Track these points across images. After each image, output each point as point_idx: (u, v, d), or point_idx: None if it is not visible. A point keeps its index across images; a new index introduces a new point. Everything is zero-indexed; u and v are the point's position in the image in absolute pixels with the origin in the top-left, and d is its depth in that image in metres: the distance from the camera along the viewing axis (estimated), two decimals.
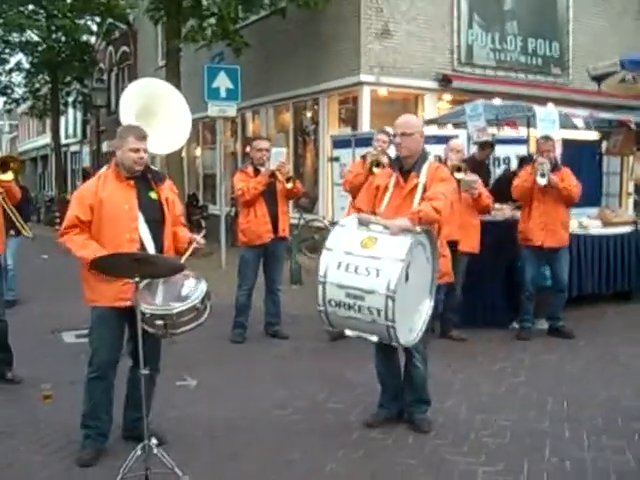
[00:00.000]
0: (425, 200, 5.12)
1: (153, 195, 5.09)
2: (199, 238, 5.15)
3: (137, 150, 4.93)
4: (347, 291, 4.77)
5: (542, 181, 7.93)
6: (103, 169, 5.24)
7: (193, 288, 4.74)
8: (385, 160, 7.91)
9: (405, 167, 5.40)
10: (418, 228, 4.90)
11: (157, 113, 7.29)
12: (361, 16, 15.31)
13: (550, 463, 4.84)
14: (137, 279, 4.35)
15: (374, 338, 4.91)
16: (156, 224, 5.03)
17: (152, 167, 5.35)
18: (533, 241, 8.22)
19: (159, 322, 4.55)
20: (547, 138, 8.37)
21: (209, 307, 4.78)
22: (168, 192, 5.21)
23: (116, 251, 4.68)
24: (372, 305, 4.67)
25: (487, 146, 10.60)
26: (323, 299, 4.88)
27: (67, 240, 4.94)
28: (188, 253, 5.08)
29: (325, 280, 4.84)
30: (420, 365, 5.45)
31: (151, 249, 4.93)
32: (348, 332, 5.01)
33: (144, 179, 5.09)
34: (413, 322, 5.09)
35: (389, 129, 8.47)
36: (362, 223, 5.00)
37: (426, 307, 5.18)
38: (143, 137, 4.99)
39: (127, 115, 7.15)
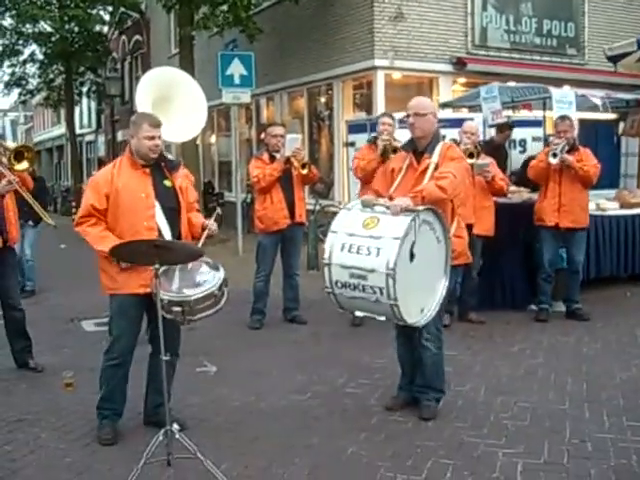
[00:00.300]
0: (433, 179, 5.12)
1: (167, 183, 5.12)
2: (211, 223, 5.16)
3: (152, 137, 4.94)
4: (351, 271, 4.84)
5: (553, 160, 7.90)
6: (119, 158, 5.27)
7: (210, 275, 4.76)
8: (397, 145, 7.86)
9: (419, 149, 5.39)
10: (420, 207, 4.90)
11: (173, 101, 7.30)
12: (374, 0, 15.24)
13: (571, 444, 4.83)
14: (157, 266, 4.36)
15: (382, 318, 4.97)
16: (172, 212, 5.05)
17: (166, 155, 5.36)
18: (545, 221, 8.20)
19: (177, 309, 4.57)
20: (564, 118, 8.32)
21: (226, 293, 4.79)
22: (182, 180, 5.23)
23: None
24: (374, 284, 4.73)
25: (506, 128, 10.56)
26: (330, 281, 4.97)
27: (83, 232, 4.97)
28: (203, 239, 5.11)
29: (330, 262, 4.94)
30: (431, 347, 5.38)
31: (168, 237, 4.95)
32: (358, 313, 5.14)
33: (158, 167, 5.11)
34: (425, 301, 5.10)
35: (395, 114, 8.48)
36: (366, 205, 5.07)
37: (440, 287, 5.18)
38: (157, 124, 5.00)
39: (143, 103, 7.16)
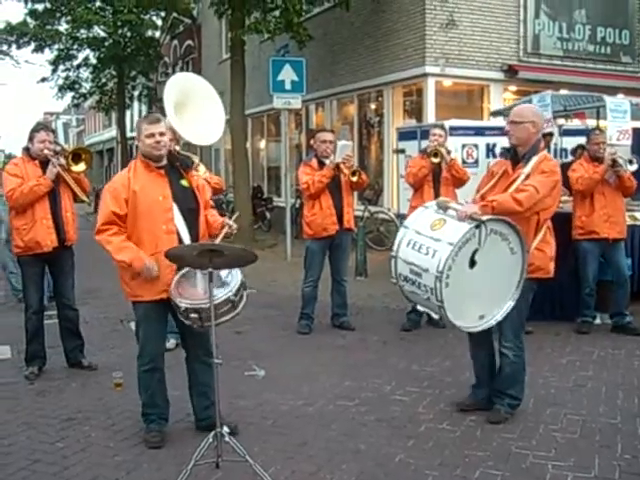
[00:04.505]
0: (515, 191, 5.10)
1: (184, 183, 5.10)
2: (232, 223, 5.10)
3: (152, 135, 4.90)
4: (411, 267, 5.02)
5: (633, 168, 7.99)
6: None
7: (227, 279, 4.75)
8: (443, 151, 8.22)
9: (517, 157, 5.41)
10: (486, 216, 4.89)
11: (192, 107, 7.46)
12: (426, 7, 15.23)
13: (623, 459, 4.75)
14: (211, 269, 4.39)
15: (436, 316, 5.24)
16: (190, 212, 5.04)
17: (181, 152, 5.35)
18: (599, 234, 8.08)
19: (194, 315, 4.59)
20: (601, 130, 8.32)
21: (245, 297, 4.79)
22: (198, 178, 5.24)
23: (154, 244, 4.80)
24: (426, 283, 4.89)
25: (547, 135, 10.48)
26: (395, 273, 5.19)
27: (105, 240, 4.92)
28: (221, 237, 5.06)
29: (396, 255, 5.15)
30: (509, 354, 5.42)
31: (187, 239, 4.94)
32: (419, 307, 5.45)
33: (173, 167, 5.10)
34: (486, 309, 5.12)
35: (445, 121, 8.57)
36: (440, 206, 5.17)
37: (509, 297, 5.17)
38: (156, 120, 4.99)
39: (168, 107, 7.43)
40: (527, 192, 5.04)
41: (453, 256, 4.77)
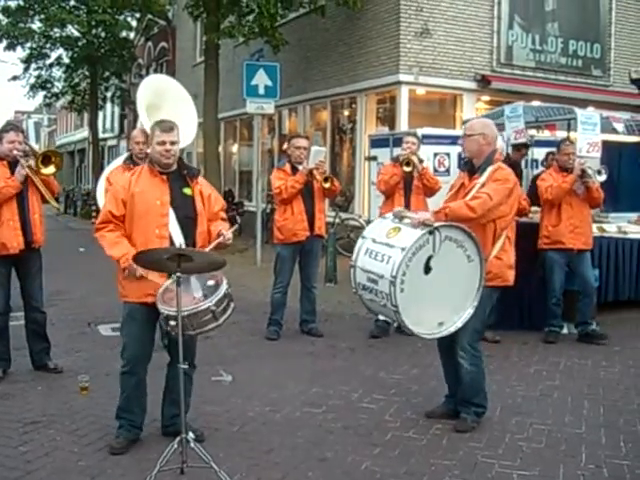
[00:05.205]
0: (469, 198, 5.20)
1: (187, 191, 5.06)
2: (227, 233, 5.05)
3: (163, 143, 4.89)
4: (368, 275, 5.15)
5: (601, 178, 8.07)
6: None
7: (212, 290, 4.68)
8: (415, 159, 8.27)
9: (473, 169, 5.52)
10: (438, 223, 5.00)
11: (164, 109, 7.43)
12: (400, 15, 15.31)
13: (587, 469, 4.79)
14: (179, 274, 4.36)
15: (395, 324, 5.33)
16: (188, 220, 5.00)
17: (186, 163, 5.34)
18: (565, 244, 8.17)
19: (172, 322, 4.52)
20: (571, 141, 8.42)
21: (231, 308, 4.70)
22: (203, 187, 5.18)
23: (146, 247, 4.69)
24: (382, 290, 5.00)
25: (522, 147, 10.58)
26: (354, 282, 5.31)
27: (100, 237, 4.97)
28: (212, 245, 5.00)
29: (355, 264, 5.29)
30: (465, 364, 5.43)
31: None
32: (380, 316, 5.52)
33: (179, 175, 5.07)
34: (445, 316, 5.18)
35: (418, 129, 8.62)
36: (396, 216, 5.30)
37: (468, 305, 5.21)
38: (169, 128, 4.95)
39: (141, 110, 7.42)
40: (480, 199, 5.15)
41: (406, 261, 4.89)
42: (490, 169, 5.36)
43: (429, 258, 4.99)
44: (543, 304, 8.53)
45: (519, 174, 10.54)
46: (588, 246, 8.28)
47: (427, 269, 5.00)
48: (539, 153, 12.04)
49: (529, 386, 6.62)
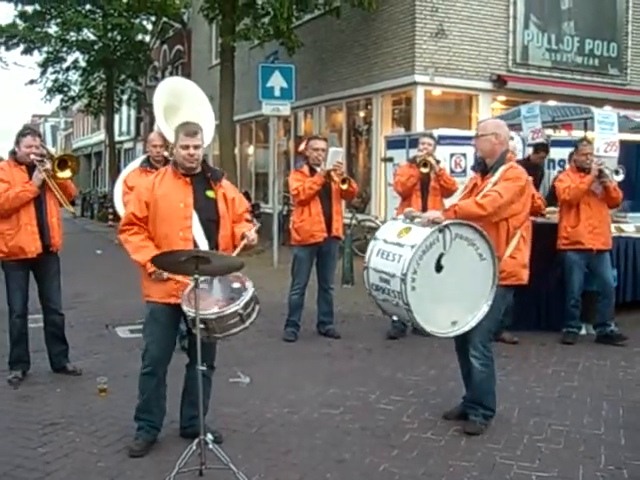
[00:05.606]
0: (479, 197, 5.20)
1: (210, 194, 5.05)
2: (251, 234, 5.05)
3: (187, 147, 4.88)
4: (380, 275, 5.18)
5: (619, 178, 8.02)
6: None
7: (238, 292, 4.68)
8: (432, 160, 8.27)
9: (486, 169, 5.52)
10: (447, 221, 5.01)
11: (182, 110, 7.45)
12: (416, 16, 15.29)
13: (606, 470, 4.76)
14: (196, 276, 4.38)
15: (410, 323, 5.25)
16: (211, 223, 5.00)
17: (210, 165, 5.34)
18: (584, 245, 8.12)
19: (200, 326, 4.50)
20: (588, 141, 8.38)
21: (257, 311, 4.70)
22: (227, 190, 5.17)
23: (169, 249, 4.68)
24: (394, 288, 5.02)
25: (541, 149, 10.53)
26: (368, 283, 5.36)
27: (124, 240, 4.98)
28: (239, 248, 5.03)
29: (368, 265, 5.34)
30: (476, 364, 5.41)
31: (204, 248, 4.90)
32: (394, 317, 5.59)
33: (203, 177, 5.06)
34: (459, 315, 5.18)
35: (434, 130, 8.60)
36: (407, 216, 5.35)
37: (482, 304, 5.19)
38: (194, 132, 4.93)
39: (158, 112, 7.43)
40: (490, 197, 5.15)
41: (417, 259, 4.91)
42: (502, 168, 5.35)
43: (440, 256, 5.01)
44: (561, 305, 8.50)
45: (540, 176, 10.53)
46: (607, 246, 8.23)
47: (439, 267, 5.02)
48: (556, 153, 12.00)
49: (547, 387, 6.59)
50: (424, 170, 8.23)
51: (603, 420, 5.72)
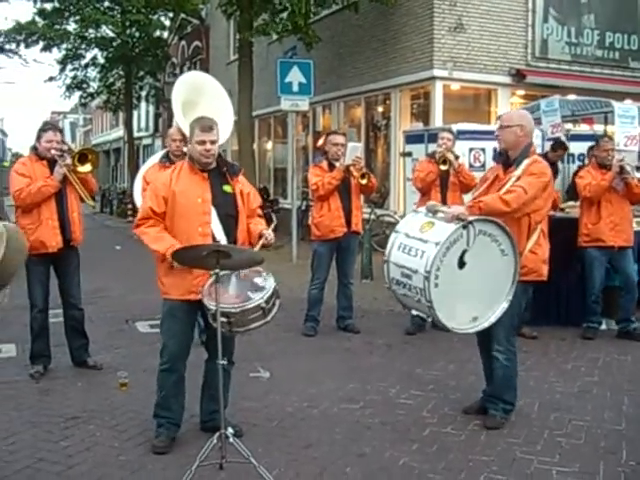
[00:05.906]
0: (504, 192, 5.14)
1: (227, 189, 5.05)
2: (269, 232, 5.07)
3: (202, 142, 4.87)
4: (402, 270, 5.08)
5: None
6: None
7: (260, 286, 4.69)
8: (451, 156, 8.23)
9: (509, 161, 5.44)
10: (472, 217, 4.94)
11: (200, 103, 7.47)
12: (434, 10, 15.24)
13: (628, 466, 4.74)
14: (217, 270, 4.39)
15: (430, 319, 5.23)
16: (229, 218, 5.00)
17: (227, 160, 5.34)
18: (606, 242, 8.06)
19: (222, 319, 4.51)
20: (610, 137, 8.33)
21: (278, 305, 4.72)
22: (244, 185, 5.18)
23: (189, 245, 4.69)
24: (416, 285, 4.94)
25: (559, 147, 10.48)
26: (388, 277, 5.25)
27: (141, 232, 4.95)
28: (258, 247, 5.03)
29: (388, 259, 5.22)
30: (500, 358, 5.40)
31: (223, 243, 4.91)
32: (414, 311, 5.50)
33: (219, 172, 5.05)
34: (480, 311, 5.13)
35: (453, 125, 8.56)
36: (429, 210, 5.23)
37: (503, 299, 5.16)
38: (209, 128, 4.91)
39: (176, 107, 7.45)
40: (515, 193, 5.08)
41: (441, 256, 4.84)
42: (526, 162, 5.29)
43: (463, 252, 4.95)
44: (581, 300, 8.45)
45: (554, 173, 10.48)
46: (629, 243, 8.16)
47: (461, 264, 4.96)
48: (576, 147, 11.94)
49: (567, 382, 6.57)
50: (443, 167, 8.21)
51: (624, 415, 5.69)
